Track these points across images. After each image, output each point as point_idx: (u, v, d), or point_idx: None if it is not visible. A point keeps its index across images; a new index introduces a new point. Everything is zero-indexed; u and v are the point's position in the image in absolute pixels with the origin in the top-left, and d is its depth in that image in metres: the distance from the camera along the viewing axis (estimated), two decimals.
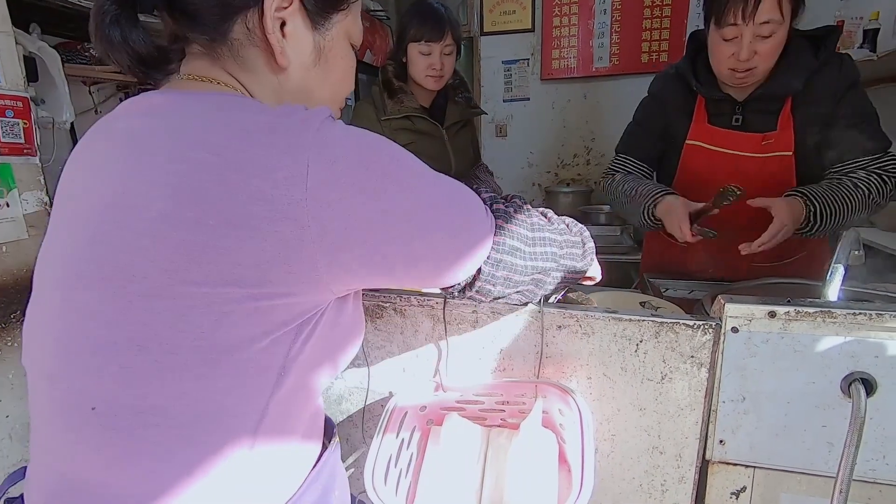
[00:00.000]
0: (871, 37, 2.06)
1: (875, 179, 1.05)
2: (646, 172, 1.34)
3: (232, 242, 0.41)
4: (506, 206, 0.62)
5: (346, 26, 0.57)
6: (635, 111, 1.38)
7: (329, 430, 0.62)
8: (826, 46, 1.09)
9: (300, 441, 0.53)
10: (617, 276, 1.96)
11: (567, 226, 0.71)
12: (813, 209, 1.01)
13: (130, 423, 0.43)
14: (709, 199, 1.06)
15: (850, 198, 1.03)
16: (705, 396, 0.70)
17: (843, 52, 2.04)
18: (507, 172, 3.60)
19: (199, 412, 0.44)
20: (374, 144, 0.47)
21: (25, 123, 1.23)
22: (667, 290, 1.40)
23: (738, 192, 0.98)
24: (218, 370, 0.44)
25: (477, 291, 0.60)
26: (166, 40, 0.54)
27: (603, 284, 1.47)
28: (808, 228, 1.03)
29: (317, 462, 0.56)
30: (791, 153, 1.13)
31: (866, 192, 1.03)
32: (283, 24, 0.51)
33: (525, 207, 0.65)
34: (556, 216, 0.70)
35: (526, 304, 0.74)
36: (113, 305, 0.42)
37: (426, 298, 0.78)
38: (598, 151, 3.44)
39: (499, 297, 0.64)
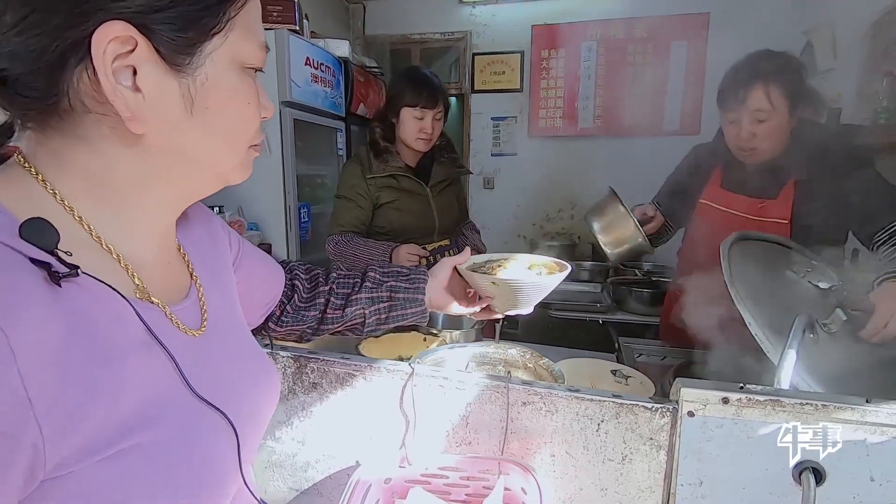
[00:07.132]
0: (835, 115, 2.20)
1: None
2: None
3: None
4: None
5: (232, 50, 0.42)
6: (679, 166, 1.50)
7: None
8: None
9: None
10: (595, 336, 1.98)
11: None
12: None
13: None
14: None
15: None
16: (664, 479, 0.71)
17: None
18: (494, 224, 3.68)
19: None
20: None
21: None
22: (640, 355, 1.43)
23: None
24: None
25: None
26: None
27: (581, 345, 1.49)
28: None
29: None
30: (787, 222, 1.21)
31: None
32: (134, 73, 0.38)
33: None
34: None
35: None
36: None
37: (395, 367, 0.80)
38: (583, 207, 3.51)
39: None
